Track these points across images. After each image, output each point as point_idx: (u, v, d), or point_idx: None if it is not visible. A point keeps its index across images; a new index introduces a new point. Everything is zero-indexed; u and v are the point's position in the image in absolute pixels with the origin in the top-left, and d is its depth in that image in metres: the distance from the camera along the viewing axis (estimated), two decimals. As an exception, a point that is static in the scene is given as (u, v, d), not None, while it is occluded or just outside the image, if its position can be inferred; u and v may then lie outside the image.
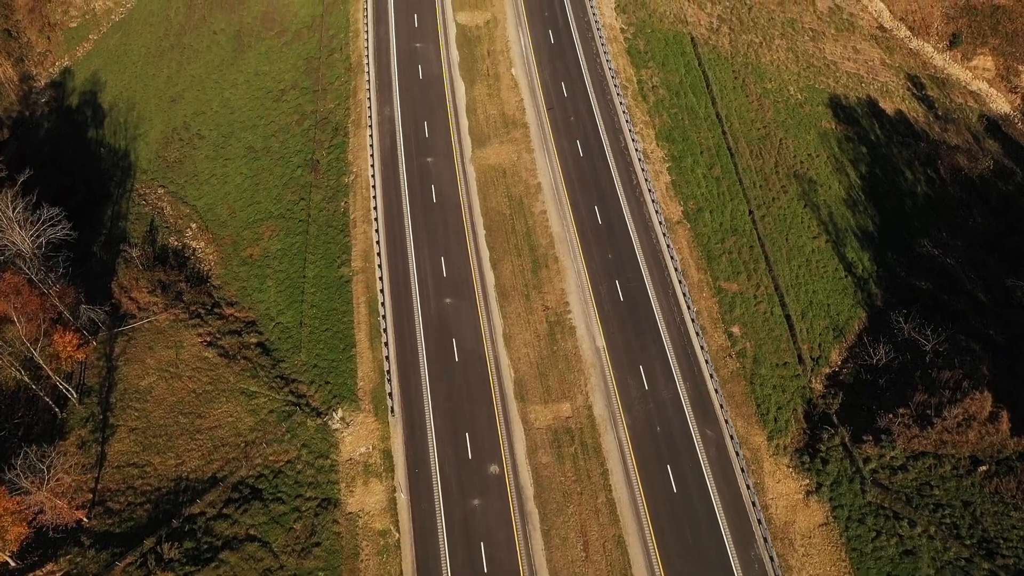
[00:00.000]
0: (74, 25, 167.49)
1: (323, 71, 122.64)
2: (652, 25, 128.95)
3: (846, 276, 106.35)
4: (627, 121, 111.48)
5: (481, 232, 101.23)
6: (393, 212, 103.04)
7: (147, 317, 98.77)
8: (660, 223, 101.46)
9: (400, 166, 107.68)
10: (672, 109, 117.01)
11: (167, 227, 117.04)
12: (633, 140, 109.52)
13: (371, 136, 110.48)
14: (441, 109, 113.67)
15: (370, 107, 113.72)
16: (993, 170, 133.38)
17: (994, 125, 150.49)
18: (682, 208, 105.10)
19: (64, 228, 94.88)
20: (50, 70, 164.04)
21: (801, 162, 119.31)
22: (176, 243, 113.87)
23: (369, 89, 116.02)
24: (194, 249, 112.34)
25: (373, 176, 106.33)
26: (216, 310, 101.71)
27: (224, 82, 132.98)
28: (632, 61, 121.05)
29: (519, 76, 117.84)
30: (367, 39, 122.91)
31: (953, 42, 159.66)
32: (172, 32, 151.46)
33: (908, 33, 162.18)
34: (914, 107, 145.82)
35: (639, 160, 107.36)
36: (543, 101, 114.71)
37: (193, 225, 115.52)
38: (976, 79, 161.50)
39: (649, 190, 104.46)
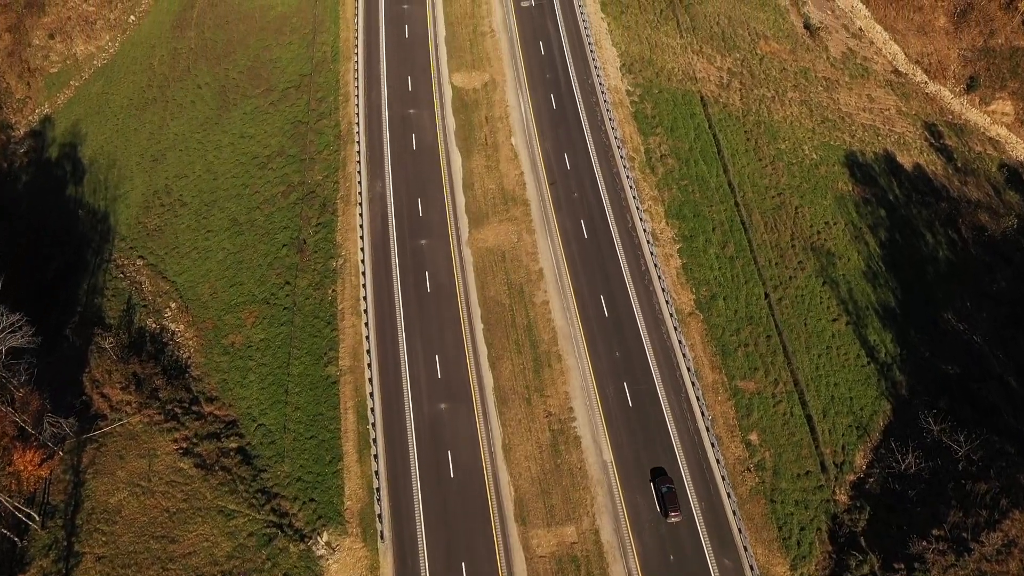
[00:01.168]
0: (55, 71, 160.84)
1: (311, 137, 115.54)
2: (659, 85, 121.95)
3: (868, 363, 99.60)
4: (634, 198, 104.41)
5: (479, 326, 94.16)
6: (384, 303, 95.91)
7: (119, 419, 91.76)
8: (671, 315, 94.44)
9: (392, 250, 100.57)
10: (682, 181, 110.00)
11: (145, 306, 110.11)
12: (641, 219, 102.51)
13: (361, 215, 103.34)
14: (436, 184, 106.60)
15: (360, 182, 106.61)
16: (1016, 228, 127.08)
17: (1014, 175, 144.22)
18: (694, 296, 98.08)
19: (26, 334, 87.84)
20: (29, 118, 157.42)
21: (818, 232, 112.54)
22: (154, 325, 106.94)
23: (359, 161, 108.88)
24: (173, 333, 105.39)
25: (363, 261, 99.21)
26: (194, 408, 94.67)
27: (208, 143, 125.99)
28: (639, 128, 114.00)
29: (519, 146, 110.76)
30: (358, 104, 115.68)
31: (971, 86, 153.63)
32: (156, 83, 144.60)
33: (924, 77, 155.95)
34: (932, 159, 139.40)
35: (648, 242, 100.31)
36: (544, 175, 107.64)
37: (172, 304, 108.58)
38: (995, 124, 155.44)
39: (659, 277, 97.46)
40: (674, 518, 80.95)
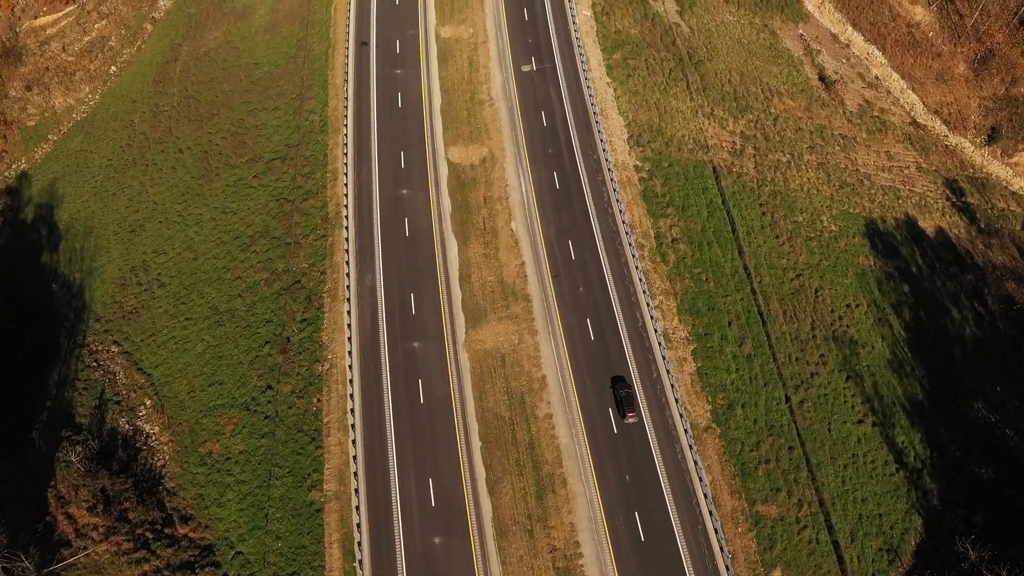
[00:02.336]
0: (32, 124, 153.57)
1: (297, 219, 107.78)
2: (669, 157, 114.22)
3: (897, 470, 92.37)
4: (644, 292, 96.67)
5: (476, 443, 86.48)
6: (373, 419, 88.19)
7: (84, 548, 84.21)
8: (686, 431, 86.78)
9: (382, 355, 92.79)
10: (695, 268, 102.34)
11: (118, 402, 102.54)
12: (652, 317, 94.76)
13: (349, 313, 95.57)
14: (431, 276, 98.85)
15: (348, 273, 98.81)
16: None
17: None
18: (710, 407, 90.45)
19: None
20: (6, 174, 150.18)
21: (840, 317, 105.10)
22: (127, 426, 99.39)
23: (348, 250, 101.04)
24: (147, 436, 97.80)
25: (351, 367, 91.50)
26: (167, 530, 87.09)
27: (189, 216, 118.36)
28: (648, 209, 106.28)
29: (520, 232, 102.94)
30: (347, 183, 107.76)
31: (992, 137, 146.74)
32: (136, 142, 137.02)
33: (944, 129, 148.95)
34: (955, 221, 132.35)
35: (659, 345, 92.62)
36: (547, 265, 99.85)
37: (147, 402, 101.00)
38: (1017, 176, 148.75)
39: (672, 385, 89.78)
40: None
